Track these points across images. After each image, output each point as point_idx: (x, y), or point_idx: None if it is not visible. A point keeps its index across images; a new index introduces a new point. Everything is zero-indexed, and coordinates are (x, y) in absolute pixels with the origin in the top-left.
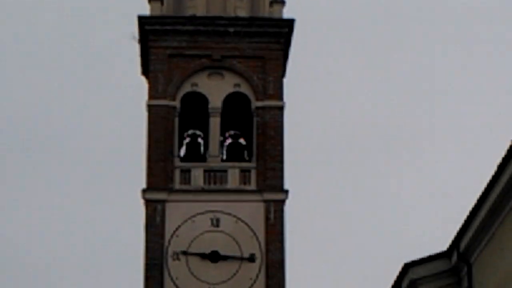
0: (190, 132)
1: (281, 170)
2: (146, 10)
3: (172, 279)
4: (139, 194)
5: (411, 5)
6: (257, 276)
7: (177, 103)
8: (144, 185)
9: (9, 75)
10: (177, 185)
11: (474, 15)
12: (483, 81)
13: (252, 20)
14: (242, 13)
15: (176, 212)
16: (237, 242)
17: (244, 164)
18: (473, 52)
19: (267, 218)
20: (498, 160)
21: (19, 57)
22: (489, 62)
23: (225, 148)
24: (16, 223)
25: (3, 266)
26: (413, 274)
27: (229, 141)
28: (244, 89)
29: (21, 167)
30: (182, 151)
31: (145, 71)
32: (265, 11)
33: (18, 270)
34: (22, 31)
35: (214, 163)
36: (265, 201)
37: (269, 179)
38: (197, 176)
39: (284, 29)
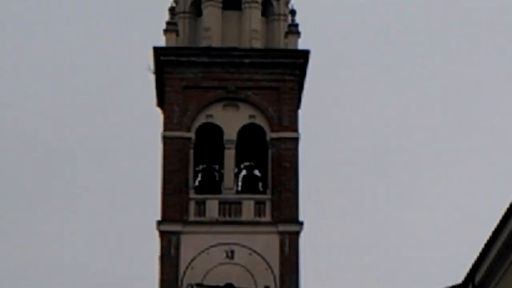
0: (205, 163)
1: (296, 201)
2: (161, 41)
3: None
4: (154, 226)
5: (424, 33)
6: None
7: (192, 135)
8: (159, 217)
9: (25, 108)
10: (192, 217)
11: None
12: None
13: (267, 51)
14: (257, 44)
15: (191, 244)
16: (251, 275)
17: (259, 196)
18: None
19: (281, 250)
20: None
21: (36, 88)
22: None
23: (240, 180)
24: (28, 253)
25: None
26: None
27: (244, 172)
28: (259, 120)
29: (33, 199)
30: (197, 183)
31: (161, 103)
32: (280, 42)
33: None
34: (37, 62)
35: (229, 194)
36: (280, 233)
37: (284, 210)
38: (212, 208)
39: (299, 60)
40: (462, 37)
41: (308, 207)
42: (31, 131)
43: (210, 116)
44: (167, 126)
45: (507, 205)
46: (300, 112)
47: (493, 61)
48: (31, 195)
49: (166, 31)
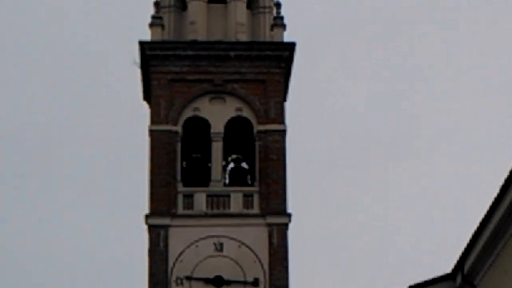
0: (192, 157)
1: (283, 193)
2: (147, 35)
3: None
4: (142, 220)
5: (410, 24)
6: None
7: (179, 128)
8: (147, 211)
9: (11, 102)
10: (180, 210)
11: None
12: (488, 90)
13: (253, 44)
14: (243, 37)
15: (180, 237)
16: (240, 267)
17: (247, 188)
18: (477, 57)
19: (270, 242)
20: (501, 180)
21: (22, 82)
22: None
23: (227, 173)
24: (17, 253)
25: None
26: None
27: (231, 165)
28: (246, 113)
29: (21, 194)
30: (185, 176)
31: (147, 96)
32: (266, 35)
33: None
34: (22, 57)
35: (216, 187)
36: (268, 225)
37: (272, 203)
38: (200, 201)
39: (285, 53)
40: (448, 27)
41: (296, 199)
42: (17, 127)
43: (197, 109)
44: (153, 119)
45: (495, 195)
46: (287, 104)
47: (481, 50)
48: (18, 191)
49: (151, 25)
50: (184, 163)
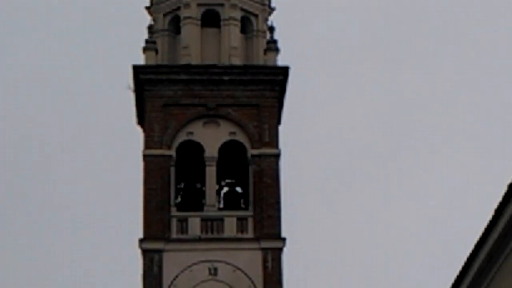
0: (186, 181)
1: (278, 217)
2: (140, 59)
3: None
4: (136, 244)
5: (401, 46)
6: None
7: (173, 152)
8: (141, 235)
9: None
10: (174, 235)
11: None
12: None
13: (246, 68)
14: (237, 61)
15: (174, 261)
16: None
17: (241, 213)
18: (474, 64)
19: (264, 267)
20: (497, 201)
21: (15, 101)
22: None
23: (221, 197)
24: (10, 271)
25: None
26: None
27: (225, 189)
28: (240, 137)
29: (14, 221)
30: (179, 200)
31: (141, 121)
32: (260, 59)
33: None
34: (17, 78)
35: (211, 211)
36: (262, 249)
37: (266, 227)
38: (194, 225)
39: (279, 77)
40: (439, 40)
41: (290, 223)
42: (13, 146)
43: (191, 133)
44: (147, 144)
45: (489, 217)
46: (281, 128)
47: (477, 52)
48: (13, 210)
49: (145, 49)
50: (179, 187)
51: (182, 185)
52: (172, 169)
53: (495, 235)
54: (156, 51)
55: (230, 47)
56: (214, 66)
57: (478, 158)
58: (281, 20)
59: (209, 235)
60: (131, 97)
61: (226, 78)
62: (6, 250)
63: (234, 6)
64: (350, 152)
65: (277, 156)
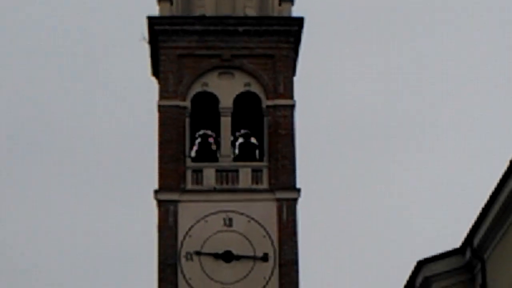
0: (201, 132)
1: (293, 168)
2: (155, 10)
3: (185, 279)
4: (151, 195)
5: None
6: (270, 276)
7: (187, 103)
8: (156, 186)
9: (18, 78)
10: (189, 185)
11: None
12: (488, 74)
13: (261, 19)
14: (251, 12)
15: (189, 212)
16: (250, 242)
17: (256, 164)
18: (477, 48)
19: (279, 217)
20: (511, 155)
21: (26, 59)
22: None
23: (236, 148)
24: (23, 225)
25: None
26: (426, 271)
27: (240, 140)
28: (255, 88)
29: (29, 169)
30: (194, 151)
31: (156, 72)
32: (274, 9)
33: (25, 273)
34: (27, 31)
35: (225, 162)
36: (277, 200)
37: (281, 178)
38: (209, 176)
39: (293, 27)
40: (459, 7)
41: (305, 173)
42: (24, 108)
43: (205, 84)
44: (162, 95)
45: (504, 168)
46: (296, 79)
47: (481, 34)
48: (25, 168)
49: (160, 1)
50: (193, 138)
51: (197, 136)
52: (187, 120)
53: (510, 186)
54: (171, 2)
55: None
56: (228, 17)
57: (486, 139)
58: None
59: (224, 186)
60: (146, 48)
61: (240, 29)
62: (23, 201)
63: None
64: (366, 103)
65: (292, 107)
